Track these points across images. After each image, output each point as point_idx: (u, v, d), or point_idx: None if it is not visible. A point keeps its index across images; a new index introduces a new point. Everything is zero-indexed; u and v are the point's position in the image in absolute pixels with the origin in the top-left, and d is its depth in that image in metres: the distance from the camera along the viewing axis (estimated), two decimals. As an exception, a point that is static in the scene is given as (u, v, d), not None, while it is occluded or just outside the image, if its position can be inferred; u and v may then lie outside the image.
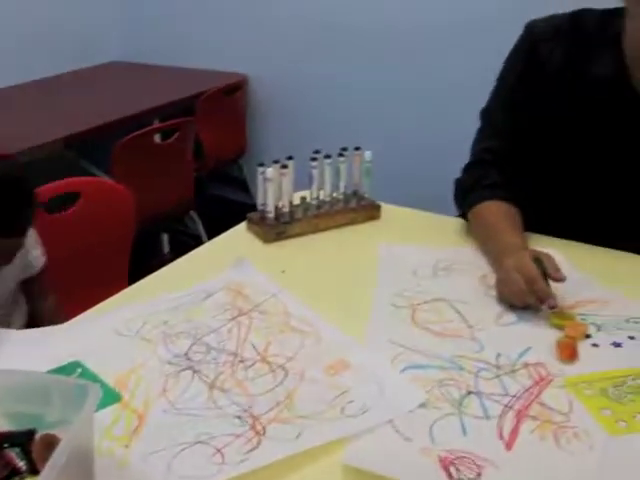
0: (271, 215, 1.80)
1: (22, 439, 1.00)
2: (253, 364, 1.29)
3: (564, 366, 1.29)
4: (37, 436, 1.01)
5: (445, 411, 1.17)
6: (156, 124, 3.62)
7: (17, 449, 0.98)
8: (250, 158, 4.28)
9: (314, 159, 1.82)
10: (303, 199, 1.88)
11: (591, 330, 1.39)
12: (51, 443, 0.97)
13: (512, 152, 1.74)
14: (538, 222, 1.73)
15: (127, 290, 1.62)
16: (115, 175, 3.10)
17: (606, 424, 1.14)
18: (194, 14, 4.39)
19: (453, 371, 1.27)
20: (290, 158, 1.80)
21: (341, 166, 1.86)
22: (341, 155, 1.85)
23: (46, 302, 1.96)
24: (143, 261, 2.43)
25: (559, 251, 1.60)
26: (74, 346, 1.35)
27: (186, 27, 4.45)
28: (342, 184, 1.89)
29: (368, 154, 1.87)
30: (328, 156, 1.83)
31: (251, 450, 1.08)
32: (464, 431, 1.13)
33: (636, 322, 1.42)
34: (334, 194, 1.89)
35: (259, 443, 1.09)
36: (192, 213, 3.79)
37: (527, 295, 1.42)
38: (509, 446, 1.10)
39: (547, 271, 1.42)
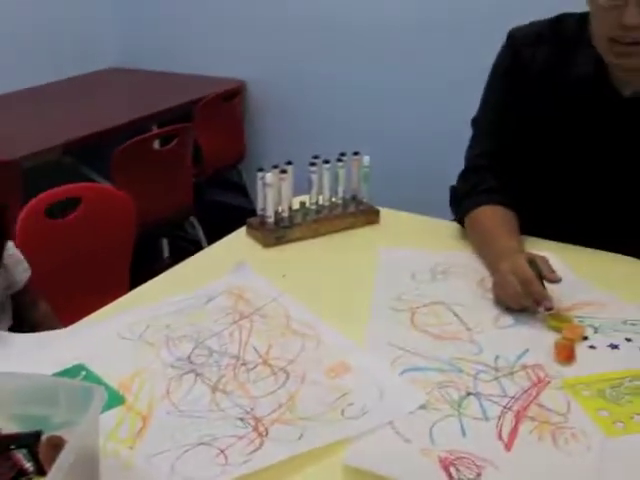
0: (271, 220, 1.81)
1: (29, 441, 1.01)
2: (255, 367, 1.31)
3: (562, 368, 1.30)
4: (43, 438, 1.02)
5: (445, 412, 1.18)
6: (155, 130, 3.62)
7: (24, 450, 1.00)
8: (249, 163, 4.29)
9: (313, 164, 1.83)
10: (302, 204, 1.90)
11: (588, 332, 1.41)
12: (57, 445, 0.99)
13: (504, 154, 1.77)
14: (533, 224, 1.75)
15: (129, 295, 1.64)
16: (115, 181, 3.11)
17: (603, 425, 1.16)
18: (192, 20, 4.41)
19: (452, 373, 1.29)
20: (289, 163, 1.82)
21: (340, 171, 1.87)
22: (340, 160, 1.87)
23: (38, 311, 1.96)
24: (143, 266, 2.44)
25: (555, 254, 1.62)
26: (78, 349, 1.37)
27: (184, 33, 4.46)
28: (341, 189, 1.91)
29: (366, 159, 1.88)
30: (327, 161, 1.85)
31: (254, 451, 1.09)
32: (464, 432, 1.14)
33: (633, 324, 1.43)
34: (333, 199, 1.90)
35: (262, 444, 1.11)
36: (192, 218, 3.80)
37: (523, 297, 1.44)
38: (508, 447, 1.11)
39: (542, 273, 1.44)
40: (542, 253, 1.52)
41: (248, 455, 1.08)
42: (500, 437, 1.13)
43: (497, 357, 1.33)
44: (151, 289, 1.64)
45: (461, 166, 1.85)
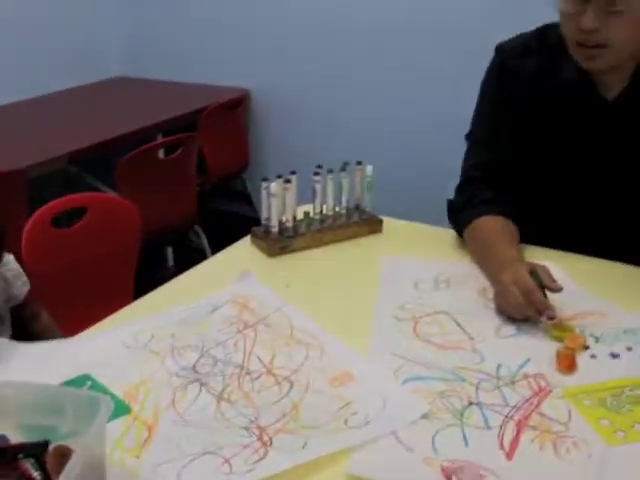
0: (275, 229, 1.83)
1: (36, 450, 1.02)
2: (259, 376, 1.32)
3: (563, 377, 1.31)
4: (51, 447, 1.03)
5: (447, 422, 1.19)
6: (160, 139, 3.64)
7: (32, 460, 1.01)
8: (253, 172, 4.31)
9: (317, 174, 1.85)
10: (306, 213, 1.91)
11: (589, 341, 1.42)
12: (64, 454, 1.00)
13: (499, 165, 1.79)
14: (531, 233, 1.76)
15: (134, 304, 1.65)
16: (120, 190, 3.13)
17: (604, 434, 1.17)
18: (196, 30, 4.43)
19: (454, 382, 1.30)
20: (293, 173, 1.83)
21: (343, 181, 1.89)
22: (343, 170, 1.88)
23: (39, 323, 1.97)
24: (147, 274, 2.45)
25: (555, 262, 1.63)
26: (83, 359, 1.38)
27: (188, 43, 4.49)
28: (344, 198, 1.92)
29: (370, 169, 1.90)
30: (330, 171, 1.86)
31: (258, 460, 1.10)
32: (466, 441, 1.15)
33: (634, 333, 1.44)
34: (337, 208, 1.92)
35: (266, 453, 1.12)
36: (196, 227, 3.82)
37: (525, 307, 1.45)
38: (510, 456, 1.12)
39: (543, 282, 1.46)
40: (542, 262, 1.54)
41: (252, 464, 1.09)
42: (502, 446, 1.14)
43: (499, 366, 1.34)
44: (156, 298, 1.65)
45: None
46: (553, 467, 1.10)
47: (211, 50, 4.41)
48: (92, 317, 1.56)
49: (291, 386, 1.29)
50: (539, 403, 1.24)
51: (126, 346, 1.43)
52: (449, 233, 1.88)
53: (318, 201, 1.89)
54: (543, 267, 1.50)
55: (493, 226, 1.73)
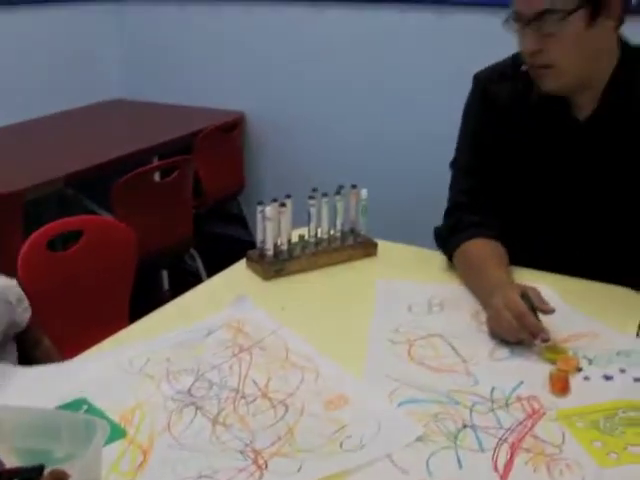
0: (270, 252, 1.84)
1: (32, 474, 1.02)
2: (254, 400, 1.33)
3: (556, 399, 1.32)
4: (46, 471, 1.03)
5: (441, 444, 1.20)
6: (156, 162, 3.65)
7: (27, 484, 1.01)
8: (248, 195, 4.32)
9: (312, 197, 1.86)
10: (301, 237, 1.92)
11: (583, 363, 1.42)
12: (60, 478, 1.00)
13: (484, 188, 1.82)
14: (518, 255, 1.78)
15: (130, 327, 1.66)
16: (115, 213, 3.13)
17: (597, 456, 1.17)
18: (193, 53, 4.46)
19: (449, 405, 1.31)
20: (288, 196, 1.84)
21: (338, 204, 1.90)
22: (338, 193, 1.89)
23: (41, 349, 1.97)
24: (143, 298, 2.45)
25: (549, 285, 1.65)
26: (79, 383, 1.38)
27: (185, 66, 4.51)
28: (339, 222, 1.93)
29: (364, 192, 1.91)
30: (325, 194, 1.87)
31: (253, 484, 1.11)
32: (460, 464, 1.16)
33: (627, 355, 1.45)
34: (331, 231, 1.93)
35: (261, 477, 1.12)
36: (192, 250, 3.82)
37: (519, 331, 1.46)
38: (504, 478, 1.13)
39: (535, 305, 1.47)
40: (532, 284, 1.55)
41: (248, 488, 1.10)
42: (496, 469, 1.15)
43: (493, 389, 1.35)
44: (152, 322, 1.66)
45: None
46: (547, 490, 1.11)
47: (207, 73, 4.44)
48: (88, 340, 1.56)
49: (286, 409, 1.29)
50: (533, 425, 1.25)
51: (122, 370, 1.44)
52: (443, 256, 1.89)
53: (313, 224, 1.90)
54: (533, 289, 1.51)
55: (482, 249, 1.75)
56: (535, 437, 1.22)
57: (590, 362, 1.43)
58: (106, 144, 3.82)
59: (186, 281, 2.11)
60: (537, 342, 1.46)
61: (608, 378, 1.38)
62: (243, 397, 1.33)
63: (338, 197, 1.90)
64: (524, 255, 1.78)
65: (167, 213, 3.40)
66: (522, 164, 1.79)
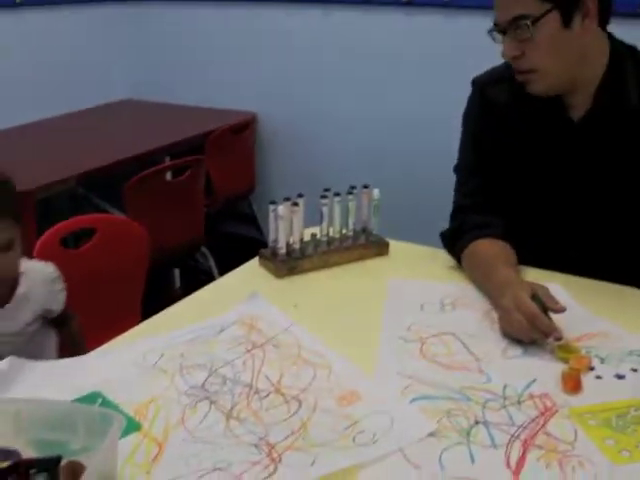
0: (282, 251, 1.85)
1: (49, 465, 1.03)
2: (268, 395, 1.33)
3: (569, 397, 1.32)
4: (63, 463, 1.04)
5: (454, 440, 1.21)
6: (167, 162, 3.67)
7: (44, 475, 1.02)
8: (259, 195, 4.33)
9: (324, 197, 1.87)
10: (313, 236, 1.93)
11: (595, 362, 1.43)
12: (76, 470, 1.01)
13: (487, 189, 1.84)
14: (521, 255, 1.78)
15: (142, 324, 1.67)
16: (127, 212, 3.15)
17: (609, 454, 1.18)
18: (204, 53, 4.47)
19: (461, 402, 1.31)
20: (301, 196, 1.85)
21: (350, 204, 1.91)
22: (350, 193, 1.90)
23: (71, 327, 2.01)
24: (154, 296, 2.47)
25: (561, 285, 1.65)
26: (94, 377, 1.39)
27: (196, 66, 4.53)
28: (351, 221, 1.94)
29: (376, 192, 1.92)
30: (337, 194, 1.88)
31: (268, 477, 1.11)
32: (472, 459, 1.16)
33: (638, 355, 1.45)
34: (343, 231, 1.94)
35: (275, 470, 1.13)
36: (203, 249, 3.83)
37: (532, 332, 1.47)
38: (516, 474, 1.13)
39: (546, 305, 1.47)
40: (547, 284, 1.55)
41: (262, 481, 1.11)
42: (508, 465, 1.15)
43: (505, 386, 1.36)
44: (164, 319, 1.67)
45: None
46: (559, 486, 1.11)
47: (218, 74, 4.45)
48: (100, 338, 1.57)
49: (299, 405, 1.30)
50: (545, 423, 1.25)
51: (136, 365, 1.45)
52: (455, 256, 1.90)
53: (325, 223, 1.91)
54: (543, 288, 1.52)
55: (488, 249, 1.76)
56: (547, 434, 1.22)
57: (602, 361, 1.44)
58: (117, 144, 3.84)
59: (198, 279, 2.12)
60: (550, 341, 1.46)
61: (620, 377, 1.39)
62: (256, 392, 1.34)
63: (350, 197, 1.90)
64: (524, 255, 1.79)
65: (179, 212, 3.41)
66: (520, 165, 1.80)
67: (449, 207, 1.92)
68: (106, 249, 2.29)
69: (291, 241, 1.86)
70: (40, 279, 1.90)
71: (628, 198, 1.73)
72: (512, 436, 1.22)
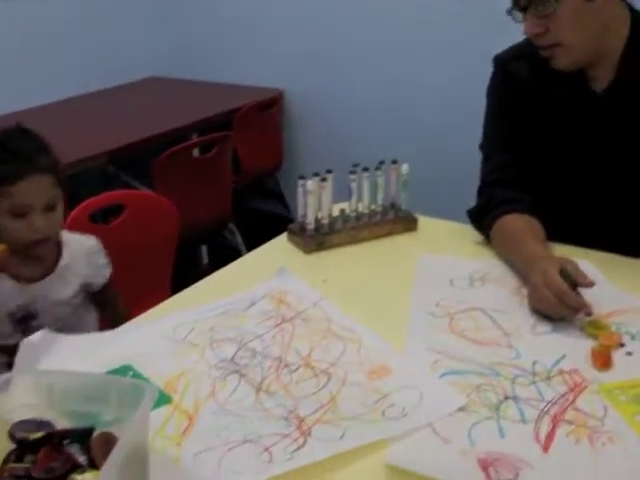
0: (311, 226, 1.85)
1: (82, 436, 1.05)
2: (297, 369, 1.34)
3: (598, 373, 1.32)
4: (95, 433, 1.06)
5: (483, 415, 1.21)
6: (195, 138, 3.67)
7: (77, 445, 1.04)
8: (286, 172, 4.33)
9: (353, 172, 1.87)
10: (342, 211, 1.93)
11: (625, 339, 1.42)
12: (108, 441, 1.03)
13: (513, 164, 1.83)
14: (552, 230, 1.77)
15: (172, 299, 1.68)
16: (156, 188, 3.16)
17: (639, 429, 1.17)
18: (231, 30, 4.46)
19: (490, 377, 1.31)
20: (329, 171, 1.85)
21: (379, 179, 1.91)
22: (379, 168, 1.90)
23: (117, 308, 2.03)
24: (182, 272, 2.48)
25: (590, 262, 1.64)
26: (124, 351, 1.41)
27: (223, 43, 4.51)
28: (380, 196, 1.94)
29: (405, 167, 1.91)
30: (366, 169, 1.88)
31: (297, 449, 1.12)
32: (502, 434, 1.17)
33: (670, 331, 1.45)
34: (372, 206, 1.93)
35: (305, 443, 1.14)
36: (231, 225, 3.84)
37: (560, 308, 1.46)
38: (546, 449, 1.13)
39: (575, 280, 1.46)
40: (577, 261, 1.54)
41: (292, 453, 1.12)
42: (538, 439, 1.15)
43: (535, 362, 1.35)
44: (194, 293, 1.68)
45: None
46: (589, 461, 1.11)
47: (246, 51, 4.44)
48: (130, 312, 1.59)
49: (329, 378, 1.31)
50: (575, 398, 1.25)
51: (166, 338, 1.46)
52: (483, 233, 1.89)
53: (354, 199, 1.91)
54: (572, 262, 1.51)
55: (516, 224, 1.75)
56: (577, 410, 1.22)
57: (633, 337, 1.43)
58: (145, 121, 3.84)
59: (225, 256, 2.13)
60: (579, 317, 1.46)
61: (651, 353, 1.38)
62: (286, 366, 1.35)
63: (379, 172, 1.90)
64: (548, 230, 1.77)
65: (206, 188, 3.42)
66: (544, 139, 1.80)
67: (478, 182, 1.91)
68: (135, 225, 2.30)
69: (319, 216, 1.87)
70: (82, 251, 1.93)
71: None
72: (541, 411, 1.22)
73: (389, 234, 1.93)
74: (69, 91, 4.11)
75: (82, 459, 1.02)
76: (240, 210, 3.87)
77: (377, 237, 1.91)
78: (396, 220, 1.94)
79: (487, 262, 1.77)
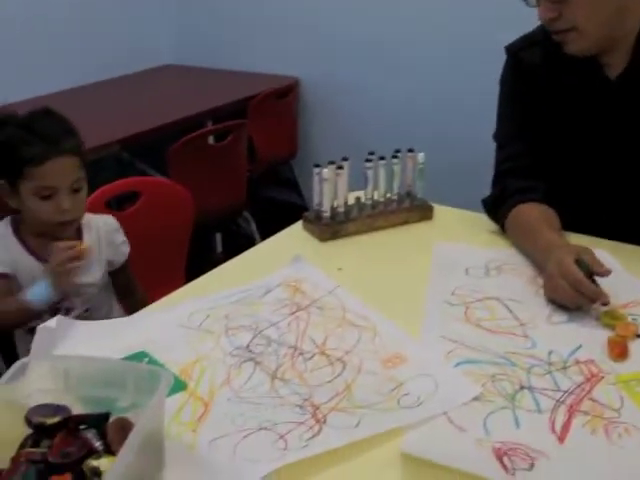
0: (327, 214, 1.85)
1: (98, 421, 1.05)
2: (312, 357, 1.34)
3: (615, 364, 1.31)
4: (111, 419, 1.06)
5: (499, 404, 1.21)
6: (210, 126, 3.67)
7: (93, 431, 1.04)
8: (301, 160, 4.33)
9: (369, 160, 1.86)
10: (358, 199, 1.93)
11: (642, 330, 1.41)
12: (124, 426, 1.03)
13: (526, 153, 1.82)
14: (567, 220, 1.76)
15: (186, 286, 1.68)
16: (170, 176, 3.16)
17: (656, 420, 1.17)
18: (247, 18, 4.45)
19: (506, 366, 1.31)
20: (345, 159, 1.85)
21: (395, 167, 1.90)
22: (395, 157, 1.89)
23: (136, 290, 2.04)
24: (196, 260, 2.48)
25: (607, 251, 1.64)
26: (139, 337, 1.41)
27: (239, 31, 4.51)
28: (396, 185, 1.93)
29: (421, 156, 1.91)
30: (382, 157, 1.87)
31: (313, 437, 1.12)
32: (517, 424, 1.16)
33: (687, 322, 1.44)
34: (388, 194, 1.93)
35: (320, 431, 1.14)
36: (245, 213, 3.84)
37: (577, 298, 1.45)
38: (561, 439, 1.13)
39: (592, 269, 1.45)
40: (595, 250, 1.53)
41: (307, 440, 1.12)
42: (553, 430, 1.15)
43: (550, 352, 1.35)
44: (208, 281, 1.68)
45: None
46: (605, 451, 1.10)
47: (261, 38, 4.43)
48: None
49: (344, 367, 1.31)
50: (591, 389, 1.25)
51: (181, 325, 1.46)
52: (499, 222, 1.88)
53: (370, 187, 1.90)
54: (588, 250, 1.50)
55: (531, 213, 1.74)
56: (593, 400, 1.22)
57: (650, 328, 1.42)
58: (160, 109, 3.84)
59: (239, 244, 2.13)
60: (596, 306, 1.45)
61: (668, 344, 1.37)
62: (301, 354, 1.35)
63: (395, 160, 1.89)
64: (563, 218, 1.76)
65: (221, 176, 3.42)
66: (557, 124, 1.79)
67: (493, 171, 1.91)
68: (150, 212, 2.30)
69: (335, 204, 1.86)
70: (103, 230, 1.95)
71: None
72: (557, 401, 1.21)
73: (405, 222, 1.92)
74: (85, 78, 4.12)
75: (98, 444, 1.02)
76: (254, 198, 3.86)
77: (393, 225, 1.91)
78: (412, 208, 1.94)
79: (503, 251, 1.76)
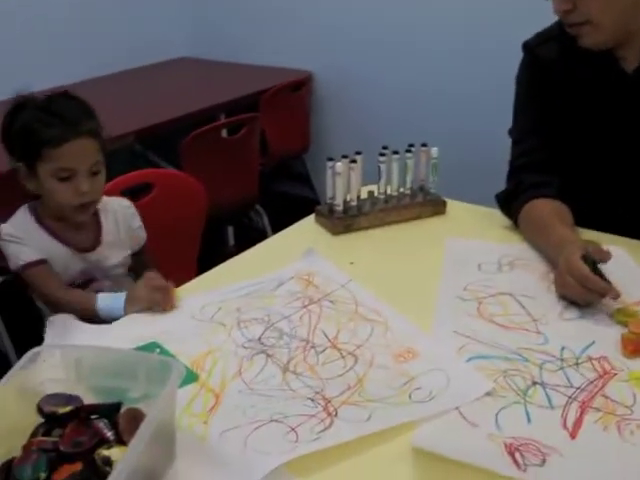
0: (339, 208, 1.84)
1: (109, 411, 1.06)
2: (324, 350, 1.34)
3: (628, 361, 1.31)
4: (122, 409, 1.06)
5: (510, 400, 1.20)
6: (223, 119, 3.67)
7: (105, 420, 1.04)
8: (313, 154, 4.32)
9: (382, 154, 1.86)
10: (371, 193, 1.92)
11: (655, 327, 1.41)
12: (135, 416, 1.03)
13: (541, 148, 1.81)
14: (581, 216, 1.75)
15: (198, 279, 1.69)
16: (183, 168, 3.16)
17: (669, 418, 1.16)
18: (261, 11, 4.45)
19: (518, 362, 1.30)
20: (359, 153, 1.84)
21: (408, 162, 1.89)
22: (408, 151, 1.89)
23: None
24: (208, 253, 2.48)
25: (622, 248, 1.63)
26: (151, 328, 1.42)
27: (253, 24, 4.50)
28: (409, 179, 1.93)
29: (435, 150, 1.90)
30: (396, 152, 1.87)
31: (324, 430, 1.12)
32: (529, 419, 1.16)
33: (701, 321, 1.43)
34: (401, 189, 1.93)
35: (331, 424, 1.14)
36: (257, 207, 3.84)
37: (585, 294, 1.45)
38: (573, 435, 1.13)
39: (598, 263, 1.45)
40: (608, 248, 1.52)
41: (318, 433, 1.11)
42: (565, 426, 1.14)
43: (563, 348, 1.34)
44: (220, 274, 1.68)
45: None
46: (617, 448, 1.10)
47: (275, 32, 4.42)
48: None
49: (355, 360, 1.31)
50: (603, 385, 1.24)
51: (193, 318, 1.47)
52: (512, 218, 1.88)
53: (383, 181, 1.90)
54: (594, 243, 1.50)
55: (543, 209, 1.74)
56: (605, 397, 1.21)
57: (663, 325, 1.41)
58: (174, 101, 3.84)
59: (251, 238, 2.12)
60: (605, 301, 1.44)
61: (681, 342, 1.36)
62: (313, 347, 1.35)
63: (409, 155, 1.89)
64: (577, 213, 1.76)
65: (234, 169, 3.41)
66: (574, 121, 1.78)
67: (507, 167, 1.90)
68: (163, 204, 2.30)
69: (348, 198, 1.86)
70: (120, 212, 1.95)
71: None
72: (569, 397, 1.21)
73: (417, 217, 1.92)
74: (100, 70, 4.12)
75: (109, 434, 1.02)
76: (267, 192, 3.86)
77: (405, 220, 1.90)
78: (424, 203, 1.93)
79: (515, 247, 1.76)
